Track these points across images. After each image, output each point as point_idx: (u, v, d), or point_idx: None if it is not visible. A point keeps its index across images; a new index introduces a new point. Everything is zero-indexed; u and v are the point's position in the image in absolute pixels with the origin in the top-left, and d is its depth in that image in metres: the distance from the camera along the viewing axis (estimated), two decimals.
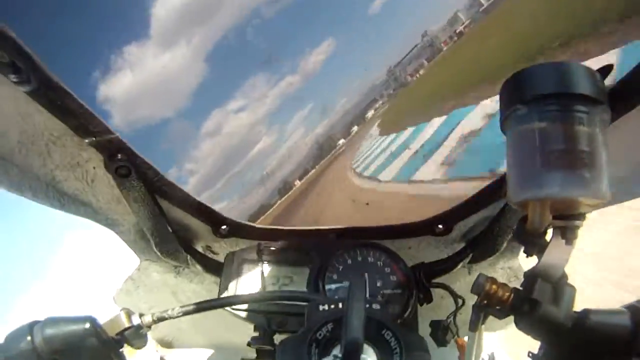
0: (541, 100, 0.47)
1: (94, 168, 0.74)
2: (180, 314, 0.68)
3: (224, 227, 0.97)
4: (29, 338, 0.51)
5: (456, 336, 0.78)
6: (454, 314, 0.81)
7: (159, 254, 0.92)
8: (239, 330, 0.86)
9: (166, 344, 1.11)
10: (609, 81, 0.51)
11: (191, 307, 0.69)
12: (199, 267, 0.96)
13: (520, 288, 0.57)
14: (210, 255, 1.02)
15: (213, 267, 0.96)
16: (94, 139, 0.70)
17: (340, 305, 0.58)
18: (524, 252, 0.58)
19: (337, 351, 0.49)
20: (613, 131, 0.55)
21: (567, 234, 0.52)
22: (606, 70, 0.50)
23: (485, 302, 0.59)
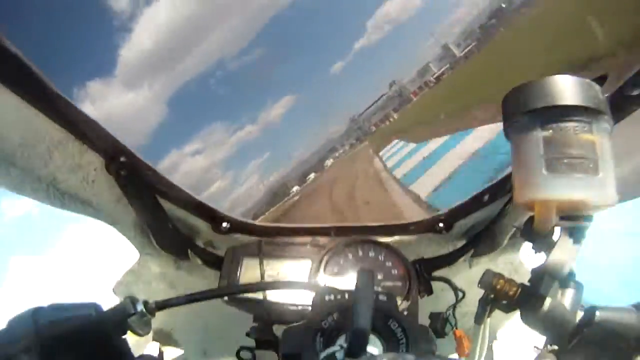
0: (543, 111, 0.51)
1: (95, 170, 0.73)
2: (184, 301, 0.68)
3: (224, 224, 0.97)
4: (31, 324, 0.50)
5: (454, 328, 0.80)
6: (454, 306, 0.83)
7: (159, 249, 0.91)
8: (238, 321, 0.86)
9: (165, 335, 1.10)
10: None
11: (195, 295, 0.69)
12: (199, 261, 0.95)
13: (528, 284, 0.58)
14: (211, 249, 1.01)
15: (213, 262, 0.96)
16: (94, 142, 0.70)
17: (346, 295, 0.58)
18: (533, 249, 0.59)
19: (342, 341, 0.50)
20: (614, 133, 0.57)
21: (575, 234, 0.54)
22: (600, 81, 0.55)
23: (492, 296, 0.60)
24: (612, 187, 0.49)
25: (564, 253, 0.54)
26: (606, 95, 0.57)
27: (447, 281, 0.88)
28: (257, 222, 1.00)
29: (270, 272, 0.89)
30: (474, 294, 0.70)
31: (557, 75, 0.51)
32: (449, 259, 0.96)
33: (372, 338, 0.51)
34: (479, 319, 0.64)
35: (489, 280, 0.59)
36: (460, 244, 0.99)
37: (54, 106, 0.62)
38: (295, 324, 0.55)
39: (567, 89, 0.50)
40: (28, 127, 0.62)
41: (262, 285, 0.78)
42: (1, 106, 0.58)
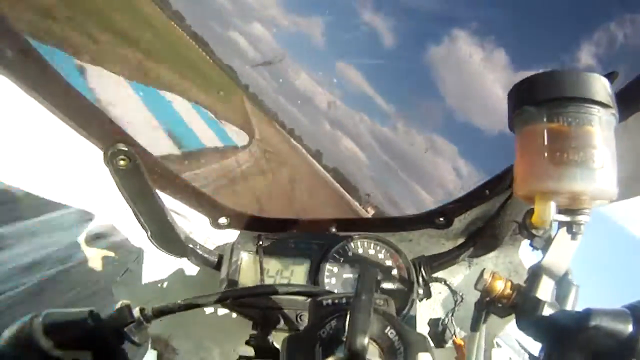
0: (549, 103, 0.51)
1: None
2: (181, 308, 0.67)
3: (222, 218, 0.97)
4: (29, 331, 0.50)
5: (454, 336, 0.79)
6: (452, 311, 0.82)
7: (157, 245, 0.91)
8: (237, 328, 0.86)
9: (163, 343, 1.10)
10: None
11: (191, 301, 0.68)
12: (198, 259, 0.95)
13: (524, 284, 0.57)
14: (210, 246, 1.01)
15: (212, 259, 0.95)
16: (91, 129, 0.69)
17: (344, 300, 0.57)
18: (530, 245, 0.59)
19: (341, 351, 0.49)
20: (620, 130, 0.57)
21: (573, 229, 0.54)
22: (611, 77, 0.56)
23: (488, 298, 0.59)
24: (613, 180, 0.50)
25: (561, 249, 0.54)
26: (616, 91, 0.57)
27: (446, 283, 0.88)
28: (256, 215, 0.99)
29: (270, 272, 0.89)
30: (473, 297, 0.69)
31: (564, 70, 0.52)
32: (449, 257, 0.94)
33: (370, 347, 0.50)
34: (475, 324, 0.64)
35: (485, 279, 0.59)
36: (460, 240, 0.98)
37: (51, 90, 0.61)
38: (293, 334, 0.54)
39: (574, 81, 0.51)
40: (25, 112, 0.62)
41: (258, 291, 0.77)
42: None
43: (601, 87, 0.50)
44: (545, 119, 0.51)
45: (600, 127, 0.50)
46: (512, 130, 0.57)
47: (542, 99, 0.52)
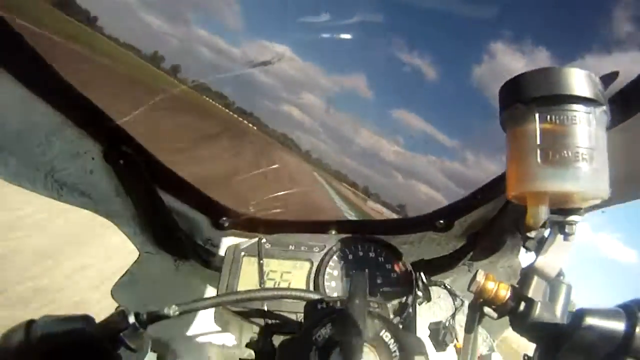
0: (540, 100, 0.50)
1: (94, 159, 0.73)
2: (177, 312, 0.67)
3: (224, 219, 0.97)
4: (25, 337, 0.50)
5: (455, 340, 0.78)
6: (453, 315, 0.81)
7: (158, 246, 0.91)
8: (238, 330, 0.86)
9: (163, 345, 1.11)
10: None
11: (188, 306, 0.68)
12: (199, 260, 0.95)
13: (516, 286, 0.57)
14: (211, 248, 1.01)
15: (213, 261, 0.96)
16: (93, 128, 0.69)
17: (338, 303, 0.57)
18: (523, 246, 0.58)
19: (337, 354, 0.49)
20: (619, 132, 0.57)
21: (565, 229, 0.53)
22: (611, 77, 0.55)
23: (482, 300, 0.59)
24: (605, 179, 0.49)
25: (554, 250, 0.54)
26: (616, 91, 0.58)
27: (446, 287, 0.87)
28: (257, 217, 1.00)
29: (271, 275, 0.89)
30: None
31: (556, 66, 0.51)
32: (449, 261, 0.95)
33: (365, 350, 0.50)
34: (469, 326, 0.64)
35: (478, 280, 0.58)
36: (460, 244, 0.98)
37: (53, 89, 0.62)
38: (289, 338, 0.54)
39: (566, 78, 0.50)
40: (26, 111, 0.62)
41: (254, 296, 0.77)
42: None
43: (592, 84, 0.50)
44: (537, 117, 0.51)
45: (592, 125, 0.49)
46: (503, 129, 0.56)
47: (533, 97, 0.51)
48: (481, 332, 1.01)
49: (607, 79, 0.54)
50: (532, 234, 0.56)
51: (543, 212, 0.52)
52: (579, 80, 0.49)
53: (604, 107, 0.50)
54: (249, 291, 0.81)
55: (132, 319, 0.60)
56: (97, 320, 0.59)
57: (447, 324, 0.79)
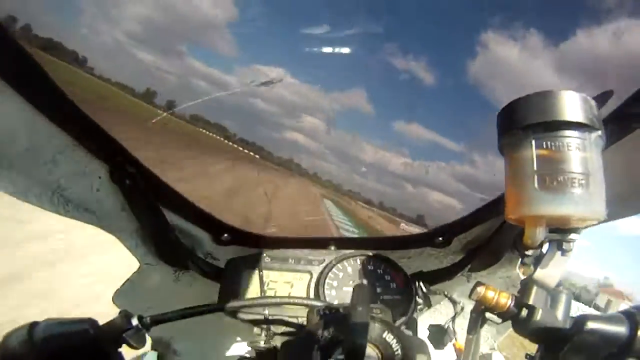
0: (536, 127, 0.51)
1: (100, 177, 0.75)
2: (179, 316, 0.68)
3: (225, 235, 0.98)
4: (28, 338, 0.50)
5: (454, 340, 0.79)
6: (453, 318, 0.82)
7: (159, 259, 0.92)
8: (238, 332, 0.86)
9: (164, 344, 1.10)
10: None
11: (190, 310, 0.69)
12: (199, 272, 0.96)
13: (517, 294, 0.59)
14: (211, 261, 1.02)
15: (213, 273, 0.96)
16: (99, 149, 0.71)
17: (340, 310, 0.58)
18: (522, 263, 0.60)
19: (338, 354, 0.50)
20: (615, 149, 0.59)
21: (563, 246, 0.55)
22: (606, 96, 0.55)
23: (483, 307, 0.60)
24: (601, 202, 0.50)
25: (552, 264, 0.55)
26: (610, 111, 0.59)
27: (445, 295, 0.89)
28: (257, 233, 1.00)
29: (271, 285, 0.90)
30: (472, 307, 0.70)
31: (553, 90, 0.51)
32: (447, 273, 0.96)
33: (368, 350, 0.51)
34: (471, 329, 0.65)
35: (478, 292, 0.60)
36: (458, 258, 0.99)
37: (60, 110, 0.63)
38: (292, 338, 0.55)
39: (562, 103, 0.50)
40: (34, 131, 0.64)
41: (257, 302, 0.78)
42: (8, 109, 0.58)
43: (588, 108, 0.50)
44: (534, 143, 0.51)
45: (588, 150, 0.49)
46: (502, 153, 0.57)
47: (529, 123, 0.51)
48: (483, 335, 1.02)
49: (601, 98, 0.55)
50: (529, 252, 0.58)
51: (540, 234, 0.53)
52: (573, 105, 0.50)
53: (599, 132, 0.50)
54: (255, 298, 0.82)
55: (135, 321, 0.61)
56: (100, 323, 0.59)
57: (446, 327, 0.80)
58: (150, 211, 0.80)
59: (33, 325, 0.53)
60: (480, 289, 0.61)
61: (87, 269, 4.34)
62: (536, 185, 0.50)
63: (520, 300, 0.57)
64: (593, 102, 0.51)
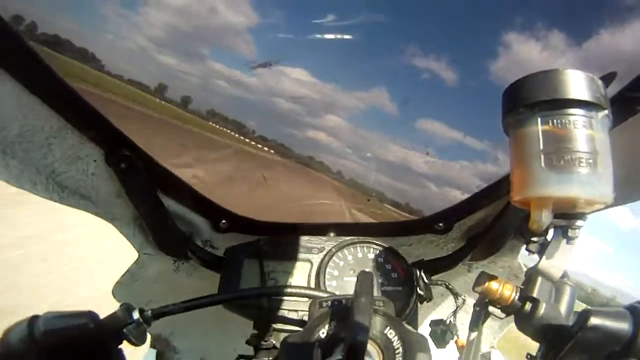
0: (543, 105, 0.49)
1: (95, 161, 0.73)
2: (181, 309, 0.67)
3: (223, 222, 0.97)
4: (28, 333, 0.50)
5: (456, 337, 0.79)
6: (454, 313, 0.82)
7: (158, 248, 0.91)
8: (237, 328, 0.86)
9: (163, 341, 1.10)
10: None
11: (191, 303, 0.68)
12: (198, 261, 0.95)
13: (522, 287, 0.57)
14: (210, 249, 1.01)
15: (213, 262, 0.95)
16: (94, 132, 0.69)
17: (343, 301, 0.57)
18: (526, 249, 0.58)
19: (340, 352, 0.49)
20: (619, 133, 0.57)
21: (569, 233, 0.53)
22: (610, 77, 0.54)
23: (487, 300, 0.59)
24: (609, 184, 0.48)
25: (557, 253, 0.54)
26: (614, 93, 0.58)
27: (447, 286, 0.88)
28: (256, 219, 1.00)
29: (271, 274, 0.89)
30: (474, 300, 0.69)
31: (559, 69, 0.50)
32: (448, 261, 0.95)
33: (369, 347, 0.50)
34: (474, 324, 0.64)
35: (483, 282, 0.59)
36: (459, 245, 0.98)
37: (54, 93, 0.62)
38: (292, 335, 0.54)
39: (569, 82, 0.49)
40: (27, 115, 0.62)
41: (258, 292, 0.77)
42: (0, 93, 0.57)
43: (595, 87, 0.49)
44: (539, 121, 0.50)
45: (595, 129, 0.48)
46: (506, 133, 0.56)
47: (535, 101, 0.50)
48: (483, 332, 1.02)
49: (606, 79, 0.54)
50: (535, 238, 0.56)
51: (546, 217, 0.52)
52: (580, 83, 0.49)
53: (606, 111, 0.49)
54: (256, 288, 0.81)
55: (136, 315, 0.60)
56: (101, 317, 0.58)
57: (448, 322, 0.79)
58: (147, 196, 0.79)
59: (33, 319, 0.52)
60: (484, 279, 0.60)
61: None
62: (543, 164, 0.49)
63: (525, 293, 0.56)
64: (600, 82, 0.50)
